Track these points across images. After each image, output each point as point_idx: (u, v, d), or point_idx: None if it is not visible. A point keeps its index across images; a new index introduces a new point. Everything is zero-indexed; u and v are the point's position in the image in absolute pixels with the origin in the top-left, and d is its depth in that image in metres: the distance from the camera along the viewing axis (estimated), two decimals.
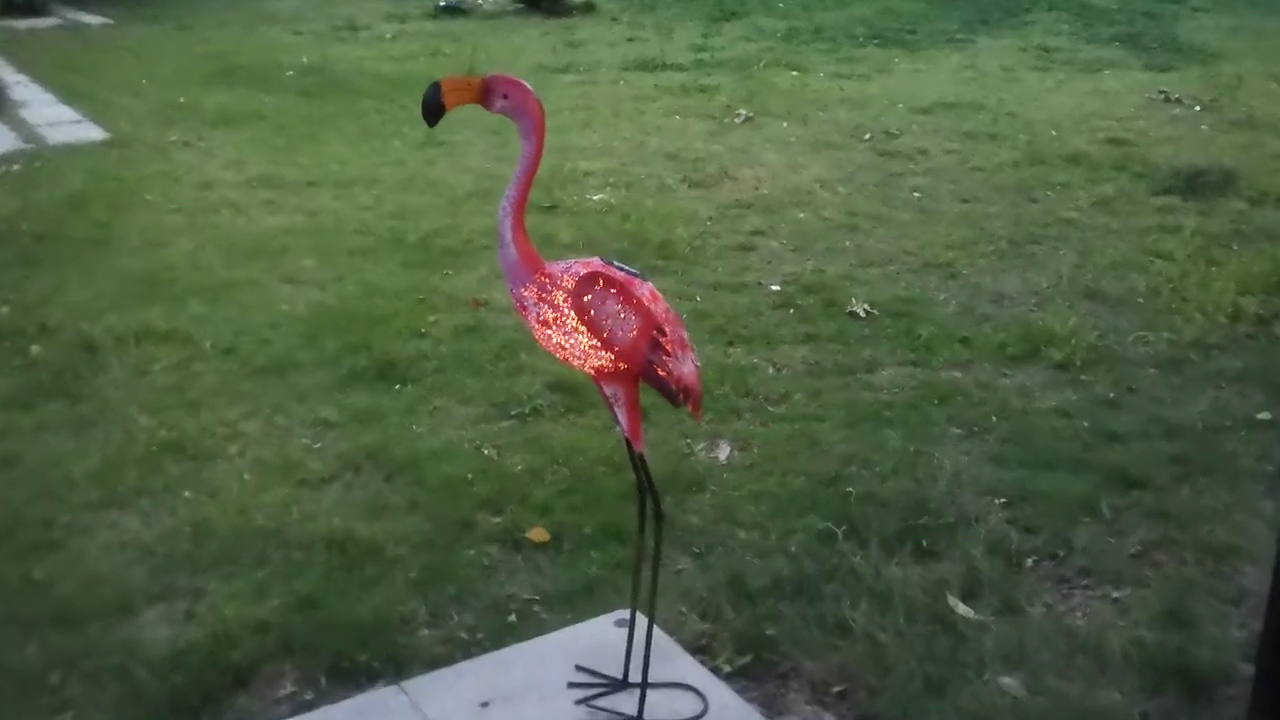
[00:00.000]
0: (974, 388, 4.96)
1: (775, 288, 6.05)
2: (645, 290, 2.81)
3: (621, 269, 2.83)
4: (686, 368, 2.85)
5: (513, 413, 4.87)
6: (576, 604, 3.70)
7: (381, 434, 4.73)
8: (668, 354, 2.77)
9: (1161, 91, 9.79)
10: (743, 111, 9.22)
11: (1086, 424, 4.58)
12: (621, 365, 2.79)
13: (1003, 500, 4.10)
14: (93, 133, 9.15)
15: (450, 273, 6.36)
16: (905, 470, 4.31)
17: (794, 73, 10.78)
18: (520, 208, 2.81)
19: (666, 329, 2.79)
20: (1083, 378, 4.98)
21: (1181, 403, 4.74)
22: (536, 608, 3.70)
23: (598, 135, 8.70)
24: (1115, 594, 3.63)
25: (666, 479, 4.28)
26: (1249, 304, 5.43)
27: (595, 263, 2.82)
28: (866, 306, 5.73)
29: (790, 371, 5.15)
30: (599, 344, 2.74)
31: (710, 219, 7.01)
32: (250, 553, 4.02)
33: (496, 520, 4.13)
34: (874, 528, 3.90)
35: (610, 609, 3.64)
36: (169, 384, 5.16)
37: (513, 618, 3.66)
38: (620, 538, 3.98)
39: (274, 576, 3.89)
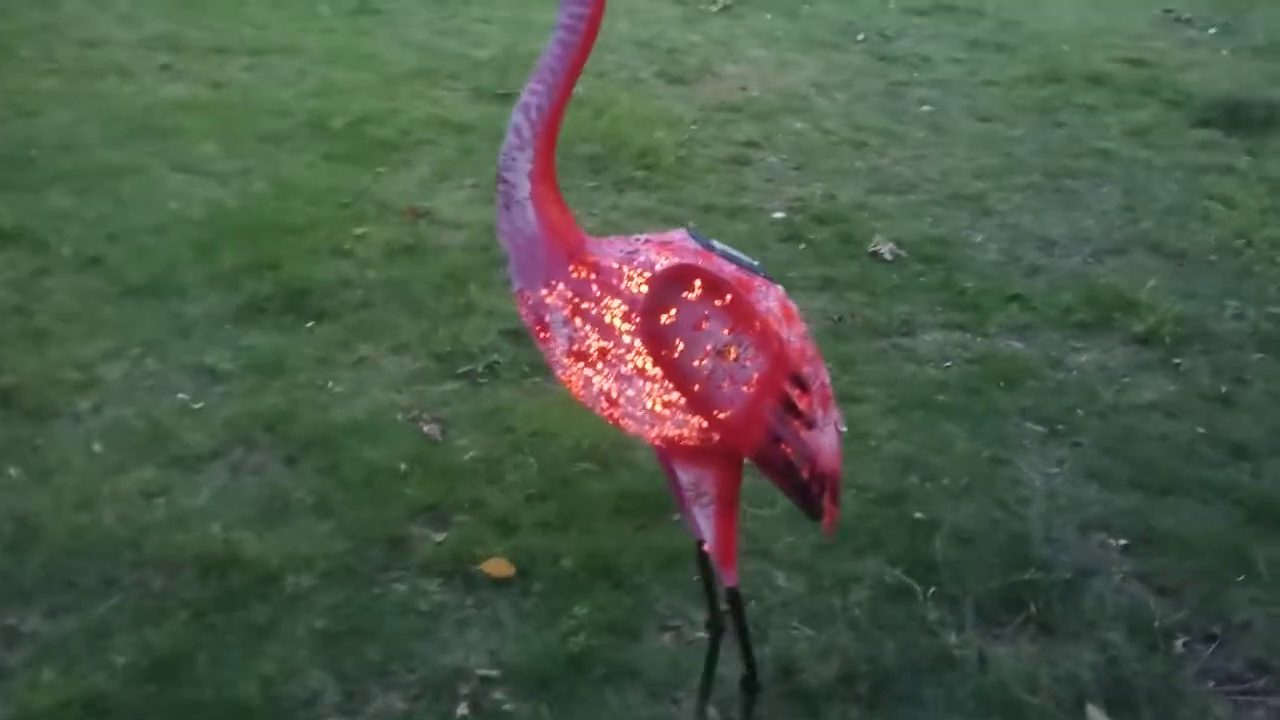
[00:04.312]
0: (1044, 366, 3.74)
1: (779, 214, 4.75)
2: (773, 301, 1.51)
3: (726, 254, 1.51)
4: (827, 440, 1.57)
5: (461, 370, 3.55)
6: (554, 686, 2.45)
7: (285, 393, 3.39)
8: (804, 421, 1.47)
9: (1168, 10, 8.52)
10: None
11: (1201, 430, 3.40)
12: (723, 439, 1.50)
13: (1122, 542, 2.92)
14: None
15: (383, 171, 4.95)
16: (983, 487, 3.10)
17: None
18: (551, 133, 1.48)
19: (807, 374, 1.49)
20: (1176, 360, 3.79)
21: None
22: (497, 692, 2.44)
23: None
24: None
25: (665, 486, 3.02)
26: None
27: (678, 240, 1.50)
28: (892, 246, 4.46)
29: (810, 328, 3.86)
30: (686, 400, 1.45)
31: (695, 123, 5.64)
32: (91, 573, 2.71)
33: (439, 539, 2.85)
34: (964, 583, 2.70)
35: (603, 697, 2.40)
36: (7, 304, 3.75)
37: (463, 710, 2.39)
38: (612, 576, 2.73)
39: (121, 616, 2.60)
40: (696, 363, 1.46)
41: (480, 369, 3.55)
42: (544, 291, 1.50)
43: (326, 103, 5.60)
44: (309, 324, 3.76)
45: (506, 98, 5.81)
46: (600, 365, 1.49)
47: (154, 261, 4.05)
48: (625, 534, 2.86)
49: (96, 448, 3.13)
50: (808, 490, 1.58)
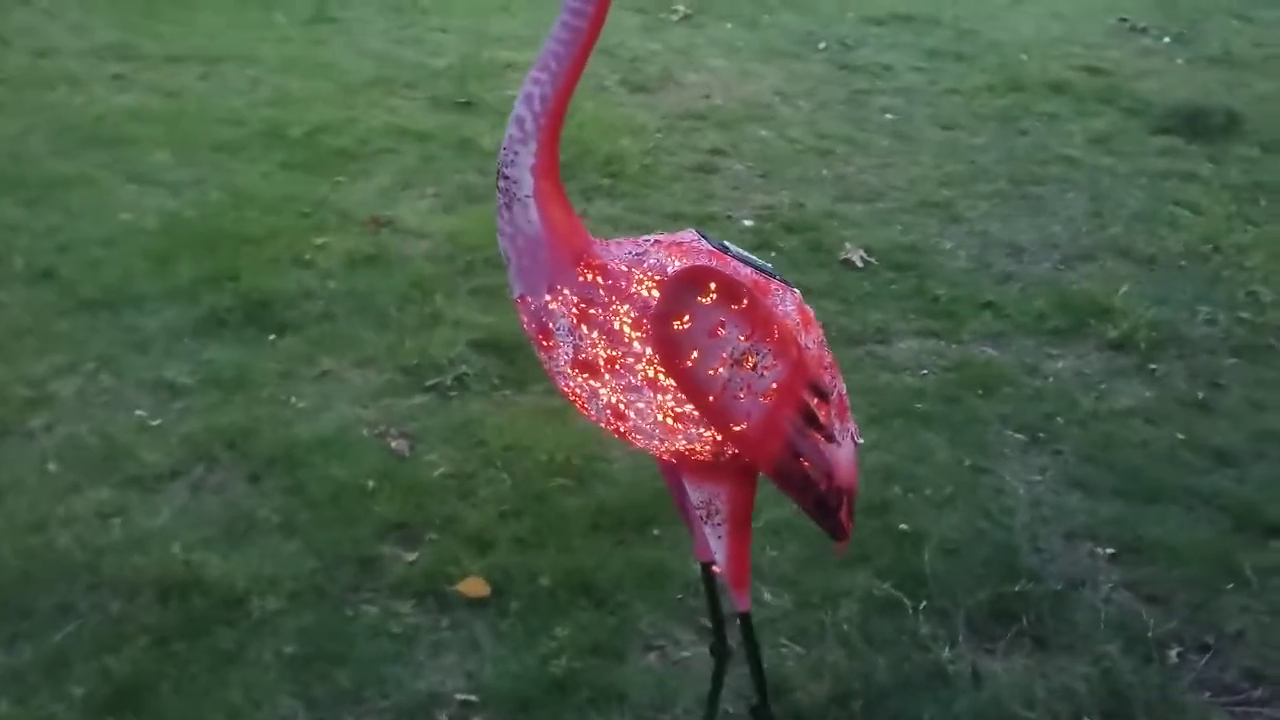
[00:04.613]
0: (1020, 373, 3.69)
1: (748, 222, 4.68)
2: (790, 305, 1.42)
3: (739, 256, 1.42)
4: (845, 454, 1.47)
5: (429, 383, 3.44)
6: (535, 710, 2.34)
7: (247, 409, 3.26)
8: (824, 433, 1.38)
9: (1123, 19, 8.56)
10: (680, 7, 7.70)
11: (1181, 436, 3.36)
12: (740, 453, 1.40)
13: (1109, 551, 2.86)
14: None
15: (342, 180, 4.82)
16: (967, 497, 3.04)
17: None
18: (555, 126, 1.39)
19: (827, 383, 1.40)
20: (1151, 366, 3.75)
21: None
22: (475, 718, 2.34)
23: (518, 21, 7.11)
24: None
25: (644, 499, 2.94)
26: None
27: (691, 241, 1.41)
28: (863, 254, 4.40)
29: None
30: (700, 412, 1.34)
31: (659, 131, 5.56)
32: (46, 599, 2.58)
33: (411, 559, 2.74)
34: (954, 595, 2.63)
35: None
36: None
37: None
38: (593, 595, 2.63)
39: (79, 644, 2.47)
40: (712, 372, 1.35)
41: (449, 381, 3.44)
42: (548, 297, 1.39)
43: (283, 112, 5.46)
44: (271, 336, 3.63)
45: (466, 106, 5.71)
46: (608, 376, 1.38)
47: (108, 274, 3.90)
48: (604, 550, 2.76)
49: (50, 467, 2.99)
50: (828, 507, 1.48)
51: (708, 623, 2.57)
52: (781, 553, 2.76)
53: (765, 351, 1.38)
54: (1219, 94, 6.65)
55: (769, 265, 1.51)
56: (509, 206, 1.39)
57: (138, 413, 3.24)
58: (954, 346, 3.84)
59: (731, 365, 1.36)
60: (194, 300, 3.79)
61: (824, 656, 2.43)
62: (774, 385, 1.38)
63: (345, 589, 2.64)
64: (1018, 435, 3.34)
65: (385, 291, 3.93)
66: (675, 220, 4.64)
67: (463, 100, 5.76)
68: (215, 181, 4.68)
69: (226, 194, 4.58)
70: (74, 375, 3.39)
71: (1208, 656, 2.54)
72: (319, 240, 4.24)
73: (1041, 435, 3.34)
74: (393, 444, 3.15)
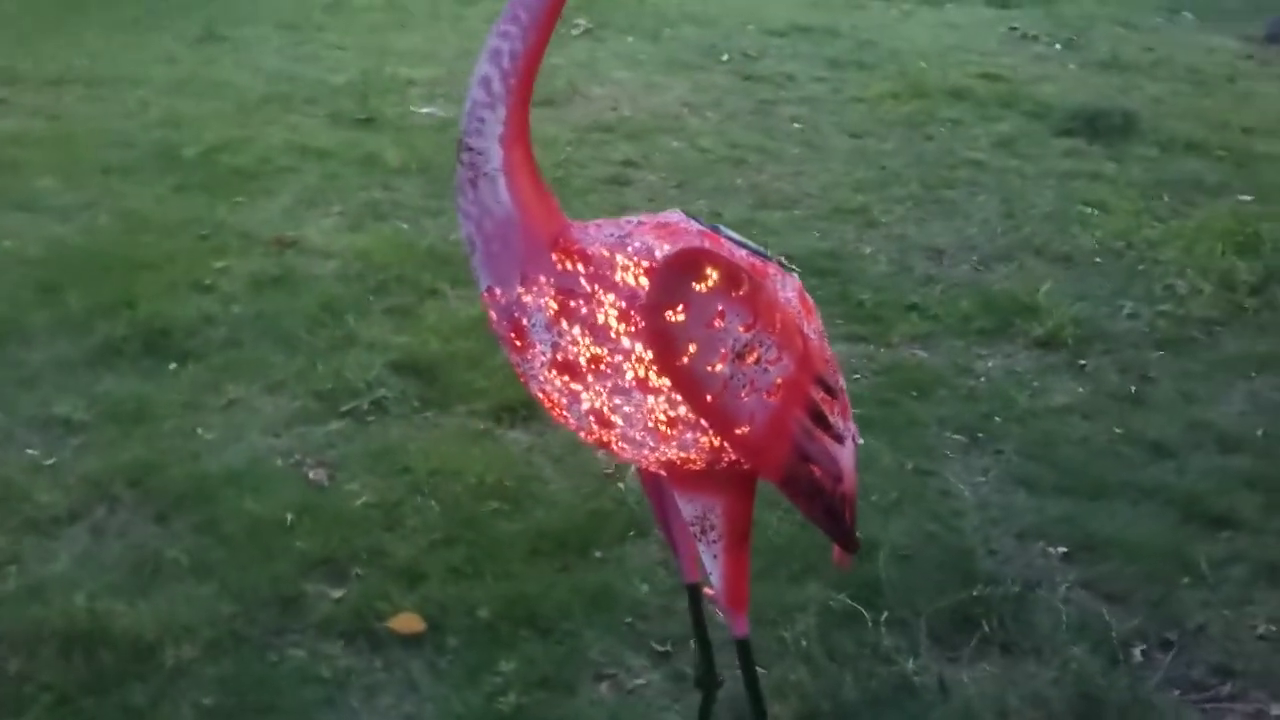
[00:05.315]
0: (952, 374, 3.61)
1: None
2: (790, 291, 1.28)
3: (731, 238, 1.27)
4: (848, 453, 1.33)
5: (345, 408, 3.24)
6: None
7: (149, 443, 3.03)
8: (832, 434, 1.23)
9: (1013, 28, 8.69)
10: (581, 22, 7.59)
11: (1118, 430, 3.31)
12: (742, 459, 1.26)
13: (1062, 550, 2.78)
14: None
15: (242, 200, 4.59)
16: (914, 502, 2.93)
17: None
18: (526, 88, 1.22)
19: (829, 376, 1.26)
20: (1081, 362, 3.71)
21: (1216, 399, 3.52)
22: None
23: (418, 38, 6.91)
24: (1277, 710, 2.36)
25: (584, 520, 2.78)
26: (1238, 269, 4.27)
27: (678, 221, 1.24)
28: (783, 260, 4.29)
29: None
30: (699, 414, 1.18)
31: (570, 144, 5.41)
32: None
33: (337, 596, 2.54)
34: (913, 604, 2.51)
35: None
36: None
37: None
38: (537, 624, 2.46)
39: None
40: (711, 368, 1.19)
41: (366, 405, 3.24)
42: (521, 289, 1.20)
43: (175, 132, 5.20)
44: (171, 366, 3.39)
45: (368, 123, 5.52)
46: (591, 378, 1.21)
47: None
48: (546, 576, 2.59)
49: None
50: (840, 515, 1.33)
51: (660, 647, 2.42)
52: None
53: (769, 344, 1.22)
54: (1114, 97, 6.75)
55: (763, 248, 1.36)
56: (474, 183, 1.21)
57: (29, 452, 2.98)
58: (883, 350, 3.76)
59: (733, 360, 1.20)
60: (86, 330, 3.53)
61: (787, 675, 2.29)
62: (779, 381, 1.22)
63: (267, 632, 2.43)
64: (957, 436, 3.26)
65: (293, 314, 3.72)
66: None
67: (364, 117, 5.56)
68: (105, 206, 4.41)
69: (118, 219, 4.31)
70: None
71: (1173, 653, 2.46)
72: (219, 263, 4.01)
73: (981, 435, 3.26)
74: (310, 474, 2.94)
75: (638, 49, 7.23)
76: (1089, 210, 5.03)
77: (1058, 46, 8.24)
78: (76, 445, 3.01)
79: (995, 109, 6.52)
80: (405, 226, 4.45)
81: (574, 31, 7.45)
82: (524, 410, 3.23)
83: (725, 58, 7.19)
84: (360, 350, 3.51)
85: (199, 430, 3.10)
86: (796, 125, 6.05)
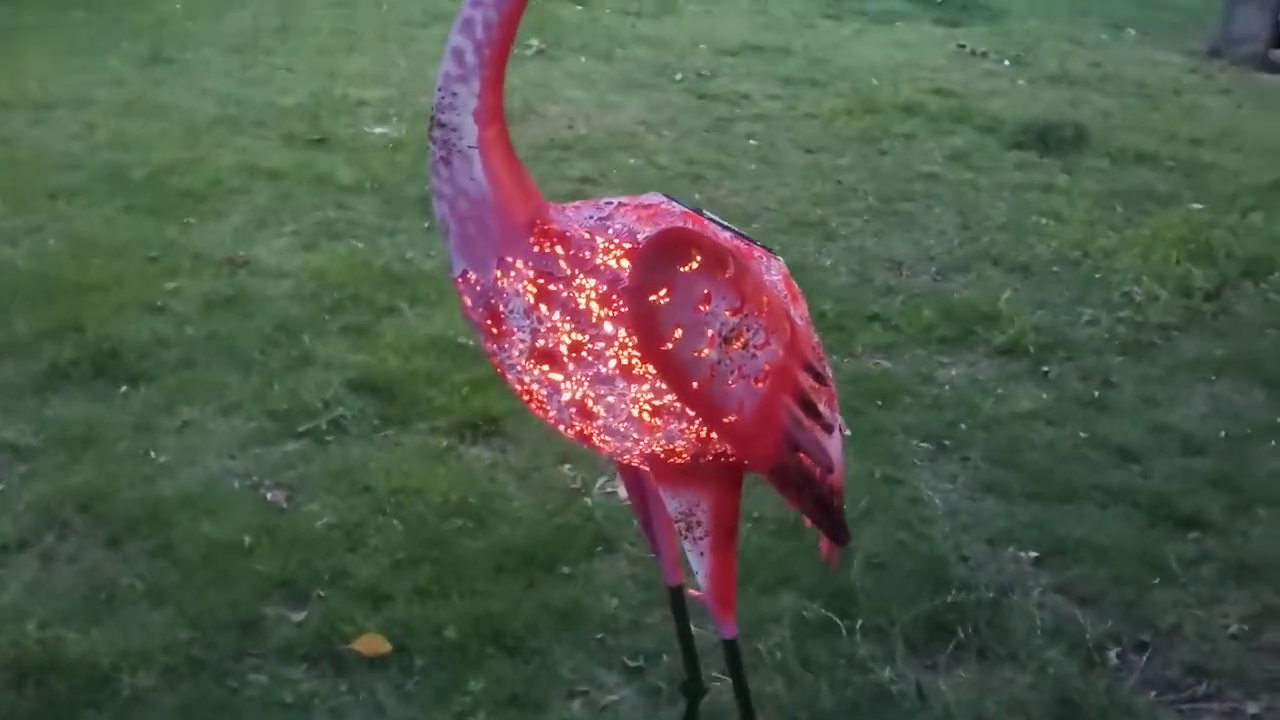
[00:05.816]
0: (916, 382, 3.60)
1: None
2: (776, 274, 1.23)
3: (714, 221, 1.22)
4: (836, 443, 1.28)
5: (302, 428, 3.16)
6: None
7: (100, 467, 2.93)
8: (821, 423, 1.18)
9: (961, 45, 8.76)
10: (534, 43, 7.55)
11: (1083, 434, 3.30)
12: (730, 450, 1.21)
13: (1033, 555, 2.76)
14: None
15: (192, 221, 4.50)
16: (884, 509, 2.90)
17: (579, 7, 9.13)
18: (501, 59, 1.17)
19: (817, 363, 1.21)
20: (1044, 369, 3.70)
21: (1178, 402, 3.52)
22: None
23: (367, 60, 6.84)
24: (1253, 709, 2.34)
25: (550, 536, 2.72)
26: (1194, 275, 4.30)
27: (660, 202, 1.19)
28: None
29: None
30: (685, 403, 1.12)
31: (526, 161, 5.29)
32: None
33: (299, 619, 2.46)
34: (888, 612, 2.47)
35: None
36: None
37: None
38: (505, 643, 2.40)
39: None
40: (697, 354, 1.13)
41: (324, 425, 3.16)
42: (498, 272, 1.13)
43: (123, 154, 5.09)
44: (122, 389, 3.30)
45: (319, 143, 5.44)
46: (572, 366, 1.15)
47: None
48: (513, 594, 2.52)
49: None
50: (831, 507, 1.29)
51: (632, 662, 2.37)
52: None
53: (757, 328, 1.17)
54: (1064, 110, 6.81)
55: (746, 233, 1.32)
56: (447, 161, 1.15)
57: None
58: (847, 360, 3.73)
59: (720, 345, 1.14)
60: (33, 354, 3.43)
61: (763, 687, 2.24)
62: (767, 367, 1.17)
63: (227, 657, 2.35)
64: (924, 444, 3.23)
65: (248, 334, 3.63)
66: None
67: (316, 138, 5.48)
68: (53, 229, 4.31)
69: (65, 241, 4.21)
70: None
71: (1148, 655, 2.44)
72: (170, 285, 3.92)
73: (947, 443, 3.24)
74: (268, 495, 2.86)
75: (591, 69, 7.21)
76: (1044, 221, 5.05)
77: (1006, 63, 8.31)
78: (24, 471, 2.92)
79: (948, 124, 6.55)
80: (360, 245, 4.37)
81: (527, 52, 7.41)
82: (486, 426, 3.18)
83: (679, 77, 7.18)
84: (317, 369, 3.44)
85: (152, 453, 3.01)
86: (752, 142, 6.04)
